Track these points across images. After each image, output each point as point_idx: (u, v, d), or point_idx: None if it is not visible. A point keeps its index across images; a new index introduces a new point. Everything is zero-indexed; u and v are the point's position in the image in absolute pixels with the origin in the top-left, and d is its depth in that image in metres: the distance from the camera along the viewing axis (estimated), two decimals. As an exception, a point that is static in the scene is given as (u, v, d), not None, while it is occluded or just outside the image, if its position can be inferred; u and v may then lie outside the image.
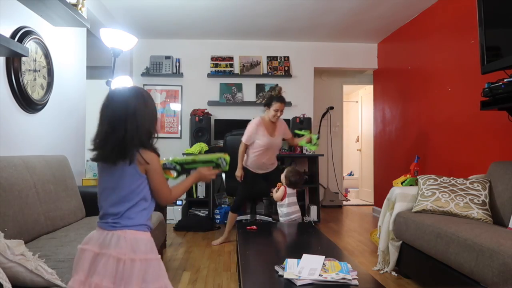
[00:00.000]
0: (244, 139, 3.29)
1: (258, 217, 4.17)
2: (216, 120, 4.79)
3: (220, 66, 4.94)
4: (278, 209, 3.03)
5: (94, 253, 1.13)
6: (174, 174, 1.40)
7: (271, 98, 3.25)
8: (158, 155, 1.25)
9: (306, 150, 4.54)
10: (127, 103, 1.18)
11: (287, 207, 2.93)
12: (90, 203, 2.51)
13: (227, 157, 1.41)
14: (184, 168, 1.38)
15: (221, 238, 3.47)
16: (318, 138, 3.22)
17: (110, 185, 1.20)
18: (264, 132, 3.27)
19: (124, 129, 1.15)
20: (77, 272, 1.12)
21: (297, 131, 3.46)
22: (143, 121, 1.18)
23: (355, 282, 1.40)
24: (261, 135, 3.26)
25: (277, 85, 3.57)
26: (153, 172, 1.22)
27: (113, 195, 1.19)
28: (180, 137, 4.95)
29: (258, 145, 3.27)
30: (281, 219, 2.96)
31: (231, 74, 4.93)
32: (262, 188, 3.49)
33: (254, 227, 2.49)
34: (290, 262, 1.53)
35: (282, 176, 3.01)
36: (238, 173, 3.35)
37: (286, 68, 5.00)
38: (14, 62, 2.16)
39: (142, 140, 1.18)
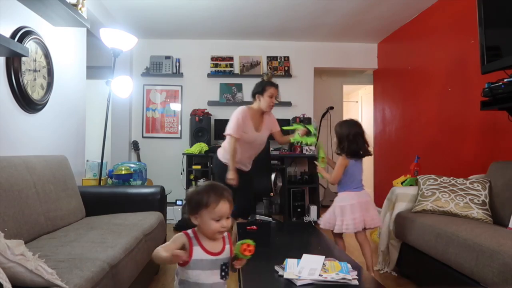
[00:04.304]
0: (232, 131, 2.72)
1: (258, 217, 4.17)
2: (216, 120, 4.79)
3: (220, 66, 4.94)
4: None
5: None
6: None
7: (263, 83, 2.83)
8: None
9: (307, 150, 4.54)
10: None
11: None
12: (90, 203, 2.51)
13: None
14: None
15: None
16: (316, 128, 2.66)
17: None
18: (251, 125, 2.81)
19: None
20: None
21: (284, 128, 2.94)
22: None
23: (355, 282, 1.40)
24: (249, 128, 2.79)
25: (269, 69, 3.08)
26: None
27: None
28: (180, 137, 4.95)
29: (242, 141, 2.77)
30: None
31: (231, 74, 4.93)
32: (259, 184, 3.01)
33: (254, 227, 2.49)
34: (290, 262, 1.53)
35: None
36: (231, 175, 2.69)
37: (286, 68, 5.00)
38: (14, 62, 2.16)
39: None
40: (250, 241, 1.23)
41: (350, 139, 2.42)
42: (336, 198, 2.53)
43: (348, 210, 2.41)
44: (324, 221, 2.53)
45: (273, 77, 2.92)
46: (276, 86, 2.84)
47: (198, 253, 1.22)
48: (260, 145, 2.91)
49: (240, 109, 2.80)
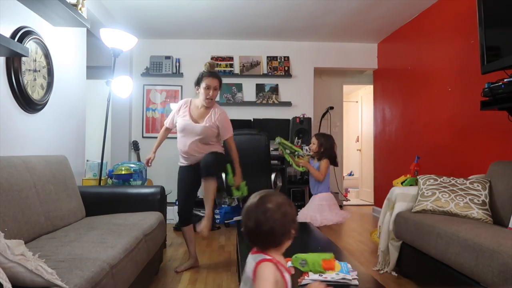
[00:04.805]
0: (166, 120, 2.89)
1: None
2: (216, 120, 4.78)
3: (220, 66, 4.94)
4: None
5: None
6: None
7: (201, 73, 2.63)
8: None
9: (307, 150, 4.53)
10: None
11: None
12: (90, 203, 2.51)
13: None
14: None
15: (187, 263, 2.74)
16: (246, 185, 2.66)
17: None
18: (185, 113, 2.69)
19: None
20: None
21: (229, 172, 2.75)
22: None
23: (355, 282, 1.40)
24: (181, 116, 2.70)
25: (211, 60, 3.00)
26: None
27: None
28: (180, 137, 4.94)
29: (177, 129, 2.75)
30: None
31: (231, 74, 4.93)
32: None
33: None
34: (290, 262, 1.52)
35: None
36: (148, 156, 2.83)
37: (286, 68, 5.00)
38: (14, 62, 2.16)
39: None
40: (329, 255, 1.13)
41: (331, 149, 2.96)
42: (315, 197, 2.99)
43: (319, 208, 2.89)
44: (304, 216, 2.87)
45: (215, 67, 2.66)
46: (215, 75, 2.58)
47: (289, 280, 1.03)
48: (200, 137, 2.65)
49: (183, 99, 2.85)
